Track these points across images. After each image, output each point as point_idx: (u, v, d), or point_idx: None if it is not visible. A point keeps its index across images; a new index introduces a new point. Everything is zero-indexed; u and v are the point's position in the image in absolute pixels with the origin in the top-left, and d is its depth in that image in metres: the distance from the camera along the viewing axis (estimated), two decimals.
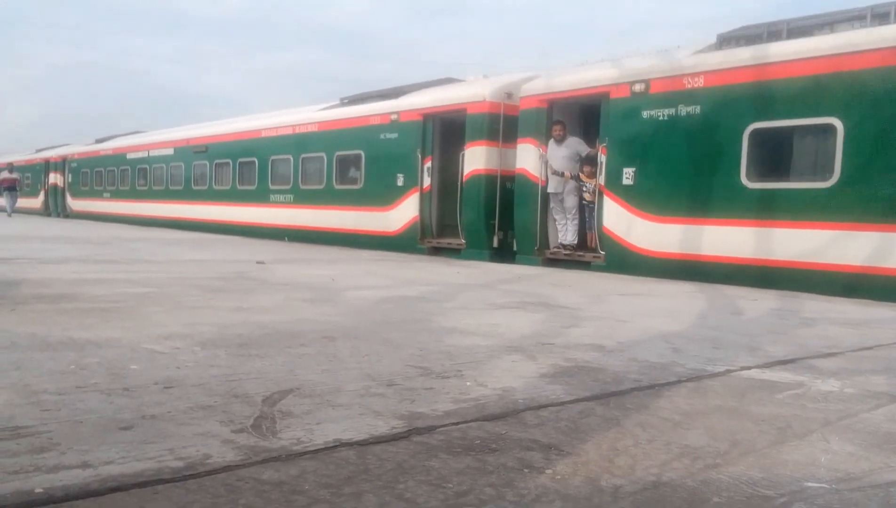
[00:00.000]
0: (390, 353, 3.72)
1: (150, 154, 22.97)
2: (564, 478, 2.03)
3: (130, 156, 24.25)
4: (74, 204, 28.72)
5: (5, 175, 27.52)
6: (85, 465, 1.97)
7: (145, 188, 23.21)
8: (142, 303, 5.26)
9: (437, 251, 13.06)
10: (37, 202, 32.32)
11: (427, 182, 13.03)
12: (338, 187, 15.17)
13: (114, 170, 25.39)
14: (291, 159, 16.47)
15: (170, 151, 21.89)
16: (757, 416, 2.76)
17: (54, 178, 30.73)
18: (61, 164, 29.94)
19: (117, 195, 25.23)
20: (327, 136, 15.46)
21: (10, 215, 26.26)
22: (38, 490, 1.79)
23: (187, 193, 20.92)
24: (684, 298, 7.17)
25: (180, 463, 2.01)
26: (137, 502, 1.76)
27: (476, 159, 12.14)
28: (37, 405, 2.54)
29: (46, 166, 31.42)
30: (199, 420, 2.43)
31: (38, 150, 33.94)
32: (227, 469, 1.99)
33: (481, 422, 2.54)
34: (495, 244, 12.05)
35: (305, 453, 2.14)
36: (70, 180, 29.12)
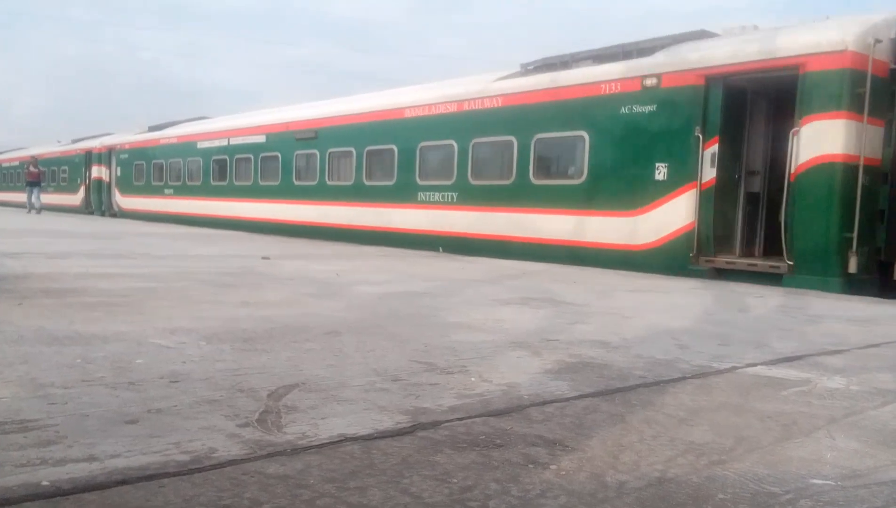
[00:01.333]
0: (395, 348, 3.73)
1: (231, 142, 18.90)
2: (569, 474, 2.02)
3: (203, 145, 20.17)
4: (124, 201, 24.87)
5: (29, 169, 25.41)
6: (91, 458, 1.98)
7: (224, 183, 19.24)
8: (148, 298, 5.27)
9: (720, 274, 9.27)
10: (75, 198, 28.46)
11: (710, 175, 9.24)
12: (539, 182, 11.32)
13: (179, 163, 21.39)
14: (455, 146, 12.56)
15: (259, 138, 17.80)
16: (762, 413, 2.76)
17: (98, 172, 26.63)
18: (106, 156, 25.92)
19: (184, 192, 21.14)
20: (519, 114, 11.54)
21: (38, 211, 24.26)
22: (45, 482, 1.80)
23: (286, 190, 16.87)
24: (691, 294, 7.15)
25: (186, 457, 2.01)
26: (143, 495, 1.77)
27: (824, 140, 8.32)
28: (43, 398, 2.55)
29: (87, 158, 27.40)
30: (205, 414, 2.44)
31: (76, 140, 30.08)
32: (232, 463, 1.99)
33: (486, 418, 2.54)
34: (852, 268, 8.28)
35: (310, 447, 2.15)
36: (119, 174, 25.11)
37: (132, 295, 5.42)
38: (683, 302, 6.47)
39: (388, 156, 14.05)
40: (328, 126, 15.80)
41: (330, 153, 15.60)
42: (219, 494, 1.79)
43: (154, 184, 22.87)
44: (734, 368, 3.57)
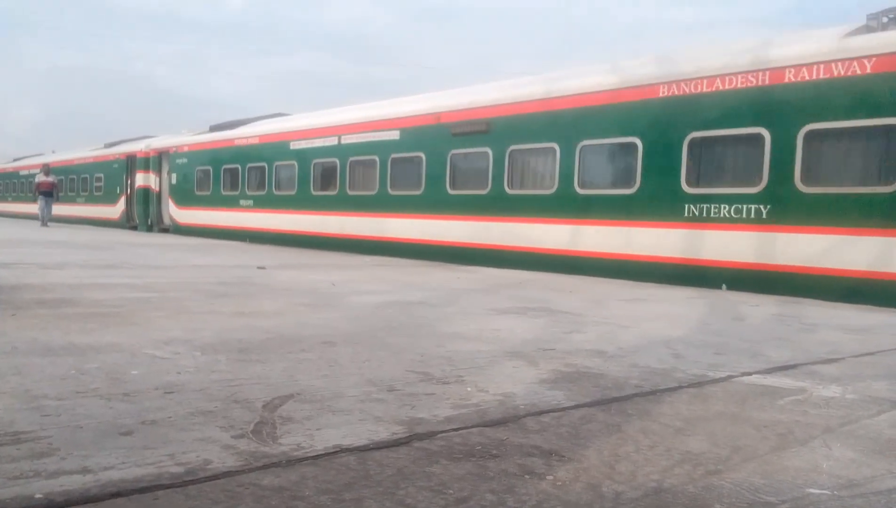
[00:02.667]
0: (391, 358, 3.72)
1: (343, 141, 14.74)
2: (565, 484, 2.02)
3: (300, 145, 16.03)
4: (181, 214, 20.68)
5: (41, 178, 22.62)
6: (85, 470, 1.96)
7: (333, 193, 15.01)
8: (142, 308, 5.26)
9: None
10: (113, 211, 24.33)
11: None
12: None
13: (262, 168, 17.20)
14: (774, 137, 8.38)
15: (392, 135, 13.61)
16: (758, 422, 2.76)
17: (144, 180, 22.56)
18: (156, 161, 21.94)
19: (270, 203, 16.90)
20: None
21: (45, 225, 21.84)
22: (39, 495, 1.79)
23: (432, 201, 12.76)
24: (686, 303, 7.16)
25: (180, 469, 2.00)
26: (137, 507, 1.76)
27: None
28: (37, 410, 2.54)
29: (129, 164, 23.34)
30: (200, 425, 2.43)
31: (111, 144, 25.97)
32: (227, 474, 1.98)
33: (482, 428, 2.53)
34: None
35: (306, 458, 2.14)
36: (174, 182, 20.93)
37: (127, 305, 5.40)
38: (679, 312, 6.48)
39: (612, 158, 10.40)
40: (507, 115, 11.49)
41: (511, 152, 11.39)
42: (213, 506, 1.78)
43: (225, 193, 18.58)
44: (730, 377, 3.57)
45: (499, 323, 5.19)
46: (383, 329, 4.76)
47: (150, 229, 22.35)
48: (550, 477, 2.07)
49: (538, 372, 3.53)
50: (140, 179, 22.85)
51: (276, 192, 16.79)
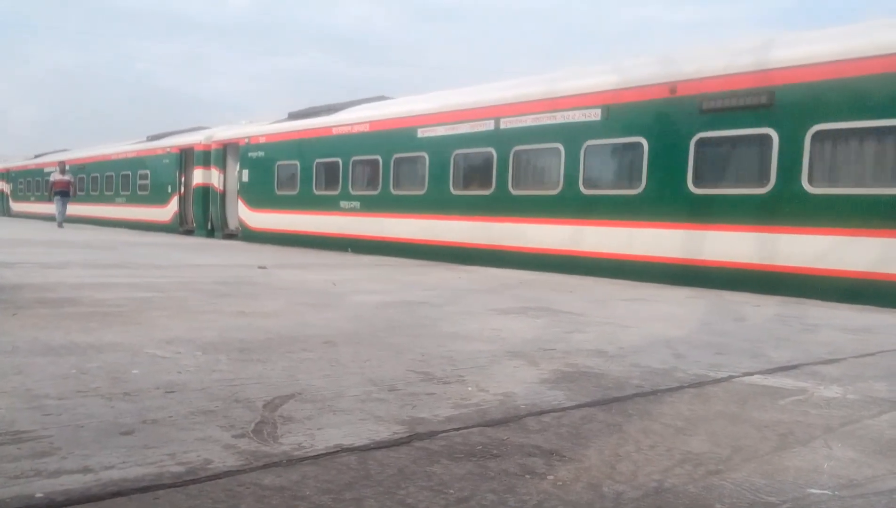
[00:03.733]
0: (392, 358, 3.72)
1: (504, 126, 11.31)
2: (566, 484, 2.02)
3: (432, 133, 12.60)
4: (255, 217, 17.38)
5: (56, 176, 20.93)
6: (86, 470, 1.97)
7: (485, 193, 11.61)
8: (144, 308, 5.26)
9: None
10: (163, 212, 21.05)
11: None
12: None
13: (375, 162, 13.76)
14: None
15: (586, 116, 10.06)
16: (759, 422, 2.76)
17: (203, 177, 19.18)
18: (219, 154, 18.52)
19: (388, 205, 13.48)
20: None
21: (60, 225, 20.22)
22: (39, 494, 1.79)
23: (657, 204, 9.33)
24: (687, 303, 7.16)
25: (181, 468, 2.00)
26: (138, 507, 1.76)
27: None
28: (38, 409, 2.54)
29: (183, 159, 20.14)
30: (201, 424, 2.43)
31: (155, 137, 22.81)
32: (228, 474, 1.98)
33: (483, 428, 2.53)
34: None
35: (306, 458, 2.14)
36: (246, 179, 17.59)
37: (128, 304, 5.40)
38: (680, 312, 6.47)
39: None
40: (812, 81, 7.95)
41: (816, 134, 7.89)
42: (214, 506, 1.78)
43: (319, 193, 15.28)
44: (731, 377, 3.57)
45: (499, 323, 5.19)
46: (384, 328, 4.76)
47: (210, 234, 18.89)
48: (551, 477, 2.07)
49: (539, 371, 3.53)
50: (198, 176, 19.33)
51: (394, 191, 13.38)
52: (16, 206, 33.92)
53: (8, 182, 35.44)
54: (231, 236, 18.35)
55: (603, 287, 8.65)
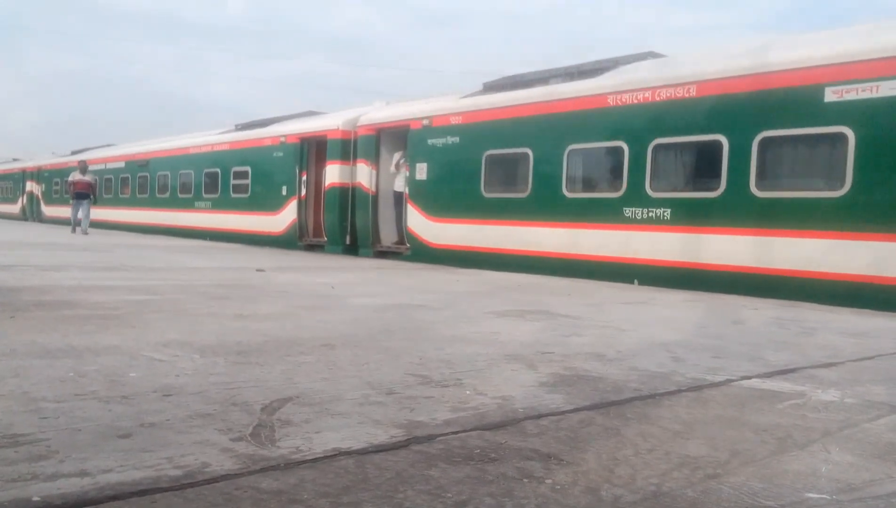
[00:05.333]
0: (390, 361, 3.72)
1: None
2: (564, 488, 2.02)
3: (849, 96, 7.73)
4: (439, 230, 12.50)
5: (76, 176, 18.46)
6: (83, 473, 1.96)
7: None
8: (141, 311, 5.25)
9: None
10: (274, 222, 15.89)
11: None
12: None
13: (716, 146, 8.85)
14: None
15: None
16: (757, 426, 2.75)
17: (340, 174, 14.21)
18: (370, 144, 13.81)
19: (740, 214, 8.64)
20: None
21: (84, 231, 17.95)
22: (36, 498, 1.79)
23: None
24: (685, 307, 7.16)
25: (179, 472, 2.00)
26: None
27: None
28: (35, 412, 2.53)
29: (303, 150, 15.26)
30: (198, 428, 2.42)
31: (245, 126, 18.18)
32: (225, 477, 1.98)
33: (481, 431, 2.53)
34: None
35: (304, 462, 2.14)
36: (422, 176, 12.79)
37: (125, 307, 5.39)
38: (678, 315, 6.48)
39: None
40: None
41: None
42: None
43: (572, 196, 10.54)
44: (729, 381, 3.57)
45: (497, 326, 5.18)
46: (382, 331, 4.76)
47: (349, 250, 14.07)
48: (549, 481, 2.07)
49: (537, 375, 3.52)
50: (333, 174, 14.19)
51: (759, 193, 8.50)
52: (48, 210, 29.34)
53: (39, 182, 30.86)
54: (383, 254, 13.48)
55: (601, 290, 8.66)
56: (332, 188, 14.41)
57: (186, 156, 19.68)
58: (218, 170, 18.13)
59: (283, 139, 15.84)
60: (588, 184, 10.65)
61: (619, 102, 9.94)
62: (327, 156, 14.52)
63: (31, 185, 31.96)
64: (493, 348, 4.23)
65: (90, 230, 18.44)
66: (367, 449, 2.27)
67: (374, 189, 13.77)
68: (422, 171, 12.77)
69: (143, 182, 21.95)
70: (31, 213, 31.71)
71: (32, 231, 20.99)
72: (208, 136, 19.45)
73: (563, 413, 2.82)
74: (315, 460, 2.16)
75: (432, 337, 4.62)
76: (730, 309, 7.05)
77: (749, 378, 3.66)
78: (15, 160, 35.85)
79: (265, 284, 7.79)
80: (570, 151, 10.53)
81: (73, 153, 28.78)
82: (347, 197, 14.15)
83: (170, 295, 6.37)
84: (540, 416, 2.75)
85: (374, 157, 13.80)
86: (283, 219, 15.65)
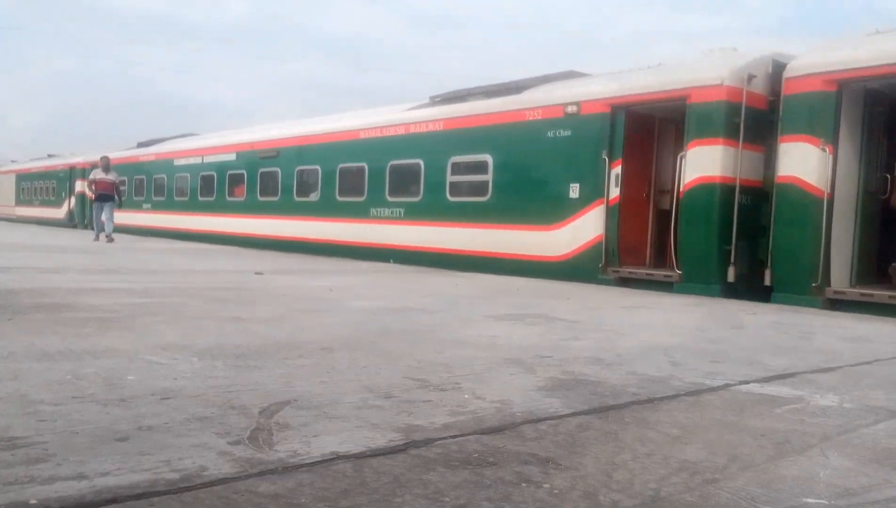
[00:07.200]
0: (388, 365, 3.71)
1: None
2: (562, 492, 2.02)
3: None
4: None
5: (98, 175, 16.09)
6: (80, 476, 1.96)
7: None
8: (140, 313, 5.25)
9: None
10: (547, 242, 10.66)
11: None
12: None
13: None
14: None
15: None
16: (756, 431, 2.75)
17: (719, 162, 8.70)
18: (823, 104, 7.98)
19: None
20: None
21: (109, 238, 15.66)
22: (33, 501, 1.78)
23: None
24: (684, 311, 7.16)
25: (176, 475, 2.00)
26: None
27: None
28: (33, 415, 2.53)
29: (612, 126, 9.79)
30: (196, 431, 2.42)
31: (441, 98, 13.18)
32: (223, 481, 1.98)
33: (479, 435, 2.53)
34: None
35: (302, 466, 2.13)
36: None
37: (124, 310, 5.39)
38: (676, 319, 6.48)
39: None
40: None
41: None
42: None
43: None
44: (727, 385, 3.57)
45: (496, 330, 5.18)
46: (381, 335, 4.75)
47: (737, 290, 8.87)
48: (547, 485, 2.07)
49: (535, 379, 3.52)
50: (709, 161, 8.84)
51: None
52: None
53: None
54: (840, 305, 8.10)
55: (600, 294, 8.66)
56: (704, 186, 8.97)
57: (355, 144, 13.88)
58: (419, 161, 12.62)
59: (572, 108, 10.34)
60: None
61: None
62: (689, 133, 9.11)
63: (81, 185, 25.09)
64: (492, 352, 4.23)
65: (114, 235, 16.00)
66: (364, 453, 2.27)
67: (828, 192, 8.12)
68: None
69: (269, 181, 16.19)
70: (82, 219, 25.54)
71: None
72: (388, 114, 13.72)
73: (561, 417, 2.82)
74: (313, 464, 2.15)
75: (430, 340, 4.61)
76: (728, 314, 7.05)
77: (747, 382, 3.66)
78: (50, 156, 30.80)
79: (264, 287, 7.79)
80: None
81: (140, 145, 24.03)
82: (732, 201, 8.84)
83: (168, 297, 6.36)
84: (538, 420, 2.75)
85: (832, 135, 8.13)
86: (571, 236, 10.43)
